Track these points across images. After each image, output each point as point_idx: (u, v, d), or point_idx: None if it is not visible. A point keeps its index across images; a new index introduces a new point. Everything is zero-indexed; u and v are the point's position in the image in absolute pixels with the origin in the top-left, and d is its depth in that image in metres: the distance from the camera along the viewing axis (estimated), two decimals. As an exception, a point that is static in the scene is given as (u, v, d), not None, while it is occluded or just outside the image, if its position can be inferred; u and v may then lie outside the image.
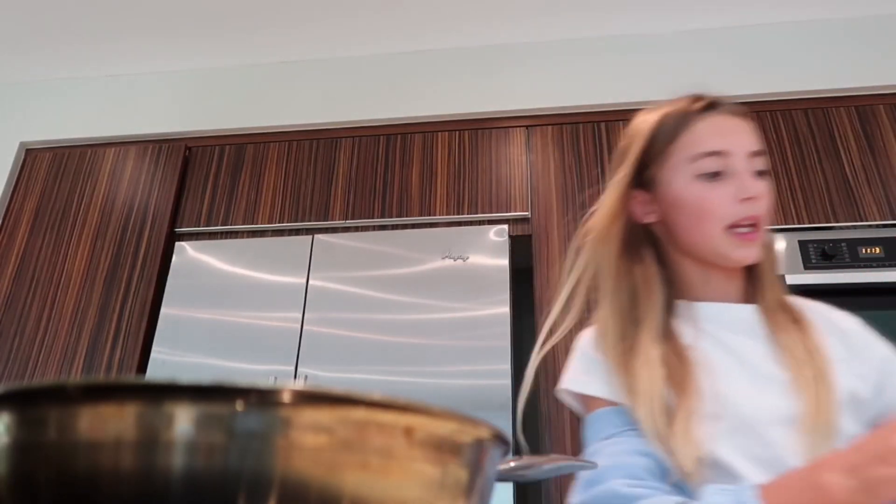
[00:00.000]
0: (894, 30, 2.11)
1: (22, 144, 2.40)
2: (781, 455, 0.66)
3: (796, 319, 0.76)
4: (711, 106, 0.78)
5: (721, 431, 0.68)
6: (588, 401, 0.78)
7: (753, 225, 0.74)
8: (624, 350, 0.75)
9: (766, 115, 2.04)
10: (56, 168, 2.33)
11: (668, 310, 0.78)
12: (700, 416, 0.68)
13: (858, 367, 0.73)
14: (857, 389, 0.71)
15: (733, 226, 0.74)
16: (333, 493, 0.22)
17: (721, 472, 0.66)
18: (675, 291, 0.80)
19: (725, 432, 0.68)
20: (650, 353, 0.73)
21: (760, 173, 0.76)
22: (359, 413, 0.23)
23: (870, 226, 1.85)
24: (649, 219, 0.81)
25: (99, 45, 2.37)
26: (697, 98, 0.79)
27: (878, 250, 1.78)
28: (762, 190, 0.74)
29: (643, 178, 0.81)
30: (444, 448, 0.25)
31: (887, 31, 2.11)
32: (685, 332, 0.76)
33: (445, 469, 0.25)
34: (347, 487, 0.22)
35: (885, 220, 1.84)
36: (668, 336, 0.75)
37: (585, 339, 0.82)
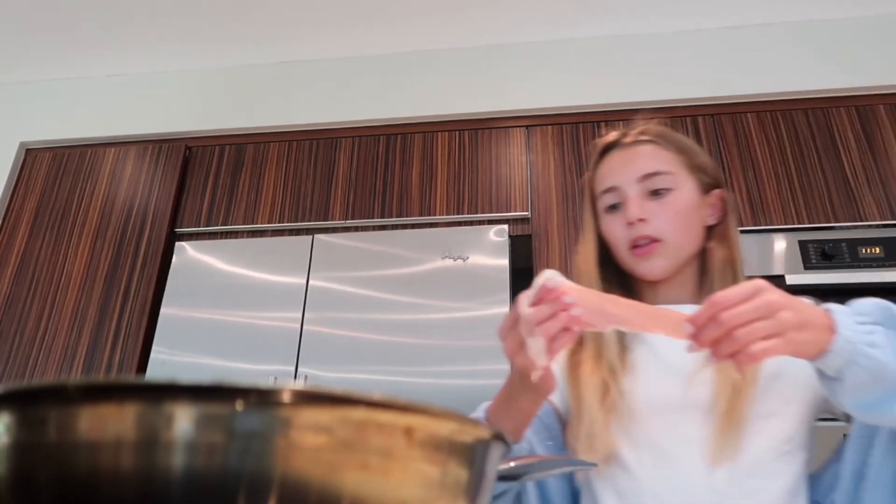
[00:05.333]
0: (894, 30, 2.11)
1: (22, 144, 2.40)
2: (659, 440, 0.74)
3: None
4: (611, 146, 0.88)
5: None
6: None
7: (652, 241, 0.81)
8: (574, 363, 0.82)
9: (766, 115, 2.04)
10: (56, 168, 2.33)
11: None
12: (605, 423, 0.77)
13: None
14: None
15: (632, 247, 0.82)
16: (333, 493, 0.22)
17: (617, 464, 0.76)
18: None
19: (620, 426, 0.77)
20: (592, 367, 0.80)
21: (655, 192, 0.82)
22: (359, 413, 0.23)
23: (870, 226, 1.85)
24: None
25: (99, 45, 2.37)
26: (606, 139, 0.89)
27: (878, 250, 1.77)
28: (650, 210, 0.81)
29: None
30: (444, 448, 0.25)
31: (887, 31, 2.11)
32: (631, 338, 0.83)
33: (445, 469, 0.25)
34: (347, 487, 0.22)
35: (885, 220, 1.84)
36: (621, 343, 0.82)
37: None
